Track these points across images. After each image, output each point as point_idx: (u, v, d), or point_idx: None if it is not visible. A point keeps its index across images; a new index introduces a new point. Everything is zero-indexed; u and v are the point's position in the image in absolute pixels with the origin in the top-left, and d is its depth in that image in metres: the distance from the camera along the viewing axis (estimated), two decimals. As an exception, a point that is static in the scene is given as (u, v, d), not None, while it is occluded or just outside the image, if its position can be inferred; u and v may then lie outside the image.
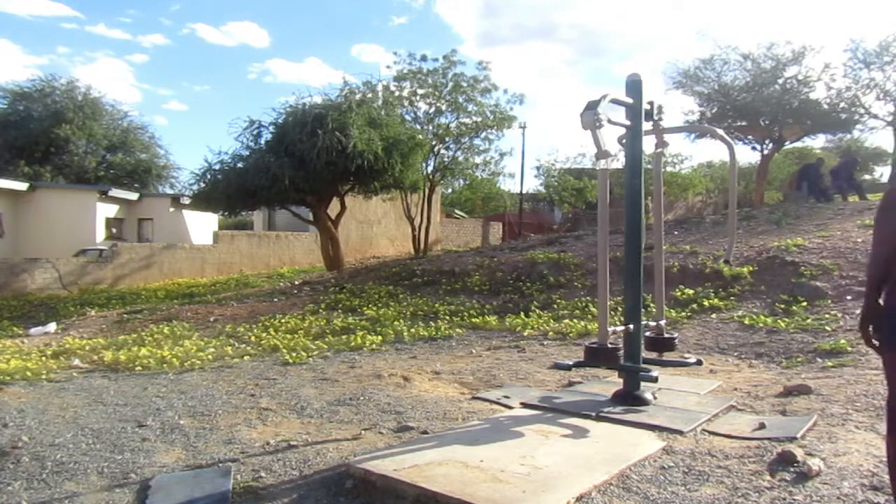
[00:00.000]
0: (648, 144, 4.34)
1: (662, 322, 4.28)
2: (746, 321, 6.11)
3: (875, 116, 17.51)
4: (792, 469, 2.65)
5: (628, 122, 3.84)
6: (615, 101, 3.70)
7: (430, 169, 17.13)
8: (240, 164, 13.06)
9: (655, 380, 3.71)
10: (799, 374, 4.60)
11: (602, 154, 3.42)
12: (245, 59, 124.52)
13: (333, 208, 14.62)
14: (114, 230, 19.68)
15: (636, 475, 2.68)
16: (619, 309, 5.31)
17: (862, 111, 17.44)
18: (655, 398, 3.80)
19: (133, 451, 3.19)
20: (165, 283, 15.44)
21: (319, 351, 6.17)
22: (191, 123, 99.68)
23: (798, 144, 23.06)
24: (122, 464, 3.01)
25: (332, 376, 5.00)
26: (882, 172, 37.01)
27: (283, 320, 7.92)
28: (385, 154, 12.96)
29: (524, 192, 29.30)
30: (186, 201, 18.27)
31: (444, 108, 16.55)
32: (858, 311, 5.85)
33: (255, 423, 3.69)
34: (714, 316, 6.50)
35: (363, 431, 3.46)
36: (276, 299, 10.20)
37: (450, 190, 27.47)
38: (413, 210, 16.90)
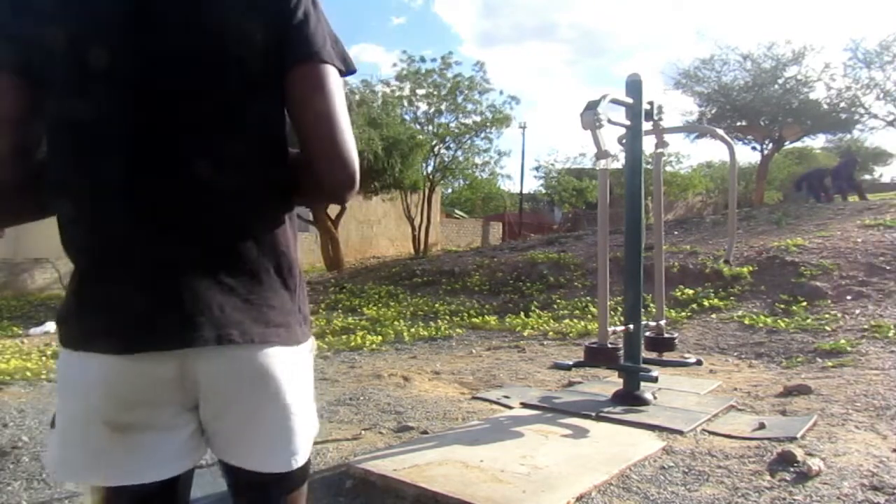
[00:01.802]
0: (648, 144, 4.34)
1: (662, 322, 4.28)
2: (746, 321, 6.11)
3: (875, 116, 17.49)
4: (792, 469, 2.65)
5: (628, 122, 3.84)
6: (615, 101, 3.70)
7: (430, 169, 17.14)
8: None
9: (655, 380, 3.71)
10: (799, 374, 4.60)
11: (602, 154, 3.42)
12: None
13: (333, 208, 14.61)
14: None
15: (636, 475, 2.68)
16: (619, 309, 5.31)
17: (862, 111, 17.42)
18: (655, 398, 3.80)
19: (133, 451, 3.18)
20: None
21: (319, 351, 6.17)
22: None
23: (798, 144, 23.03)
24: (122, 464, 3.00)
25: (332, 376, 5.00)
26: (882, 172, 37.04)
27: (283, 320, 7.91)
28: (385, 154, 12.95)
29: (524, 192, 29.32)
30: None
31: (443, 108, 16.57)
32: (858, 311, 5.88)
33: (255, 423, 3.69)
34: (714, 316, 6.50)
35: (363, 431, 3.46)
36: (276, 299, 10.18)
37: (450, 190, 27.47)
38: (413, 210, 16.89)
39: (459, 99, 16.43)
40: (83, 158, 0.89)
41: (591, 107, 3.37)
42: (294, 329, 0.95)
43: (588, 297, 7.66)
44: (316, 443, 3.49)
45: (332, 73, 0.93)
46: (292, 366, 0.95)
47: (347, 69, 0.97)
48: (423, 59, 16.39)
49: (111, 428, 0.89)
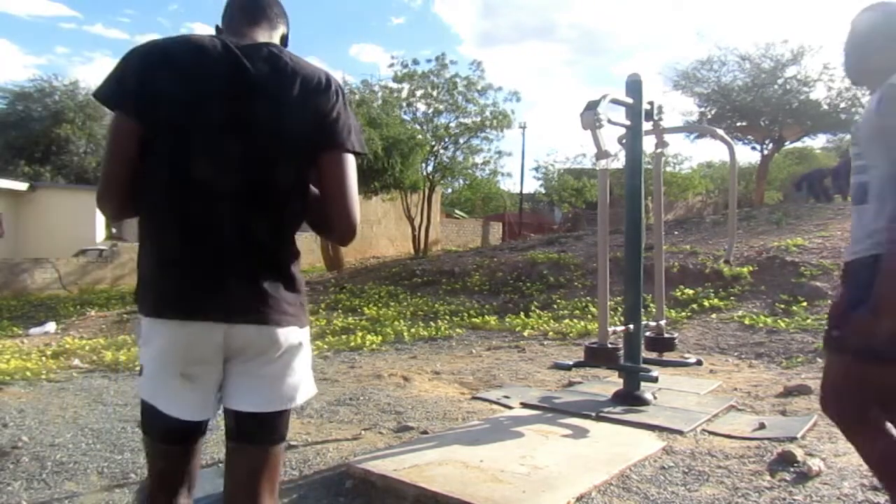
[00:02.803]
0: (648, 144, 4.34)
1: (662, 322, 4.28)
2: (746, 321, 6.11)
3: (875, 116, 17.44)
4: (792, 469, 2.65)
5: (628, 122, 3.84)
6: (615, 101, 3.70)
7: (429, 169, 17.12)
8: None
9: (655, 380, 3.71)
10: (799, 374, 4.60)
11: (602, 154, 3.42)
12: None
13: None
14: (114, 230, 19.65)
15: (636, 475, 2.68)
16: (619, 309, 5.31)
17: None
18: (655, 398, 3.81)
19: (133, 451, 3.19)
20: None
21: (319, 351, 6.17)
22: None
23: (798, 144, 23.00)
24: (122, 464, 3.01)
25: (332, 376, 5.00)
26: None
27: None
28: (385, 154, 12.94)
29: (524, 192, 29.32)
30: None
31: (442, 108, 16.55)
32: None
33: (255, 423, 3.68)
34: (714, 316, 6.50)
35: (363, 431, 3.46)
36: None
37: (450, 190, 27.44)
38: (413, 210, 16.88)
39: (459, 100, 16.41)
40: (178, 185, 1.29)
41: (591, 107, 3.37)
42: (301, 317, 1.39)
43: (588, 297, 7.66)
44: (316, 443, 3.49)
45: (349, 158, 1.38)
46: (299, 339, 1.39)
47: (362, 151, 1.42)
48: (416, 62, 16.40)
49: (181, 375, 1.32)
